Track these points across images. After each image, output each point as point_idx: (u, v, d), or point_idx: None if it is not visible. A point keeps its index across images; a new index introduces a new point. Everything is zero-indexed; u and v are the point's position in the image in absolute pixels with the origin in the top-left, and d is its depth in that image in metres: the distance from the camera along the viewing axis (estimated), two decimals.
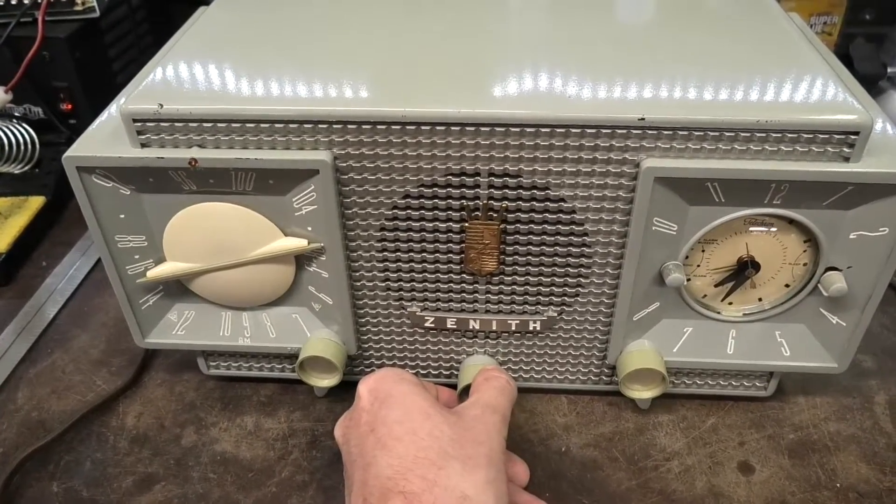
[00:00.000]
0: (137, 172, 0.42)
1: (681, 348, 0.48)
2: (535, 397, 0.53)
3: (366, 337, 0.51)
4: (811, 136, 0.38)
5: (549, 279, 0.46)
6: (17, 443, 0.51)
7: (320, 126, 0.40)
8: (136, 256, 0.46)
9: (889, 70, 0.77)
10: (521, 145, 0.40)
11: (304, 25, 0.49)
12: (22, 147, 0.75)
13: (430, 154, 0.41)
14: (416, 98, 0.40)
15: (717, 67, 0.42)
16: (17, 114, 0.77)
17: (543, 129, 0.39)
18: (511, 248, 0.45)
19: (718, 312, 0.48)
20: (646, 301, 0.46)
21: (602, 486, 0.48)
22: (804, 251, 0.44)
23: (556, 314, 0.48)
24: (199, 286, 0.48)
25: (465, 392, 0.47)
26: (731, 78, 0.41)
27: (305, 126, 0.40)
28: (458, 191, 0.42)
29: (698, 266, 0.46)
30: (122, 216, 0.44)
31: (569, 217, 0.43)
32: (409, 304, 0.49)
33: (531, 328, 0.49)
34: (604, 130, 0.39)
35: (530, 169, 0.41)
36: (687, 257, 0.44)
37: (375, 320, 0.50)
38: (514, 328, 0.49)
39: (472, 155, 0.40)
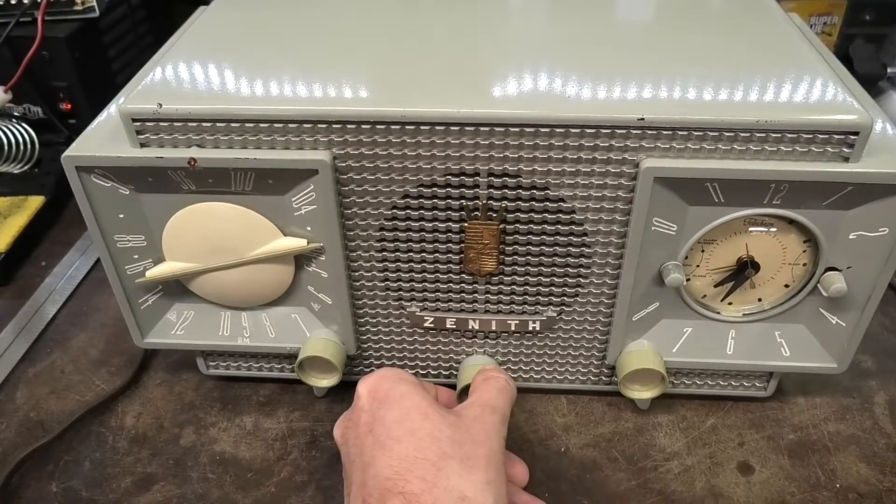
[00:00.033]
0: (136, 172, 0.42)
1: (680, 348, 0.48)
2: (534, 397, 0.53)
3: (365, 337, 0.51)
4: (811, 136, 0.38)
5: (548, 279, 0.46)
6: (15, 443, 0.51)
7: (319, 126, 0.40)
8: (136, 256, 0.46)
9: (889, 70, 0.77)
10: (521, 145, 0.40)
11: (303, 25, 0.49)
12: (21, 147, 0.75)
13: (429, 154, 0.41)
14: (415, 98, 0.40)
15: (717, 67, 0.42)
16: (16, 113, 0.77)
17: (543, 129, 0.39)
18: (510, 248, 0.45)
19: (718, 312, 0.48)
20: (645, 301, 0.46)
21: (601, 487, 0.47)
22: (804, 251, 0.44)
23: (555, 314, 0.48)
24: (198, 286, 0.48)
25: (464, 392, 0.47)
26: (731, 78, 0.41)
27: (305, 126, 0.40)
28: (458, 191, 0.42)
29: (698, 266, 0.45)
30: (122, 216, 0.44)
31: (568, 217, 0.43)
32: (409, 304, 0.49)
33: (530, 328, 0.49)
34: (603, 130, 0.39)
35: (530, 169, 0.41)
36: (686, 257, 0.44)
37: (375, 320, 0.50)
38: (513, 328, 0.49)
39: (472, 155, 0.40)
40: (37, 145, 0.75)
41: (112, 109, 0.46)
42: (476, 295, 0.48)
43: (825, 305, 0.46)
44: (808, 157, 0.39)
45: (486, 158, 0.41)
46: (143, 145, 0.41)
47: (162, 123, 0.40)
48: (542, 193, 0.42)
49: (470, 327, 0.49)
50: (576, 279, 0.46)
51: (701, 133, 0.39)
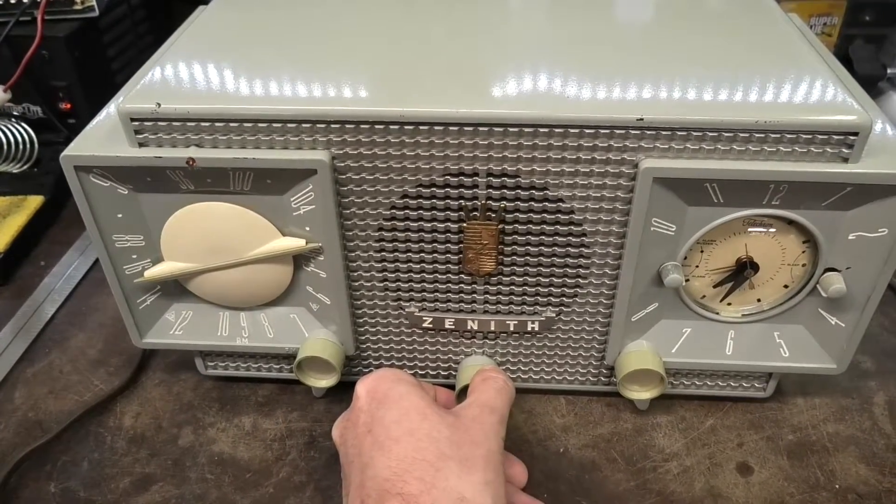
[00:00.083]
0: (135, 172, 0.42)
1: (679, 349, 0.48)
2: (533, 398, 0.53)
3: (364, 337, 0.51)
4: (810, 136, 0.38)
5: (547, 279, 0.46)
6: (14, 443, 0.51)
7: (318, 126, 0.40)
8: (134, 256, 0.46)
9: (889, 71, 0.77)
10: (520, 145, 0.40)
11: (302, 25, 0.49)
12: (21, 146, 0.75)
13: (428, 154, 0.41)
14: (414, 98, 0.40)
15: (716, 68, 0.42)
16: (15, 113, 0.77)
17: (542, 129, 0.39)
18: (509, 249, 0.45)
19: (717, 313, 0.48)
20: (644, 302, 0.46)
21: (600, 487, 0.47)
22: (803, 252, 0.44)
23: (554, 315, 0.48)
24: (196, 286, 0.48)
25: (463, 392, 0.47)
26: (730, 78, 0.41)
27: (303, 126, 0.40)
28: (457, 191, 0.42)
29: (697, 267, 0.45)
30: (120, 216, 0.44)
31: (567, 217, 0.43)
32: (408, 304, 0.48)
33: (529, 329, 0.49)
34: (602, 130, 0.39)
35: (529, 169, 0.41)
36: (685, 258, 0.44)
37: (373, 320, 0.50)
38: (512, 329, 0.49)
39: (471, 155, 0.40)
40: (36, 145, 0.75)
41: (111, 109, 0.46)
42: (475, 295, 0.48)
43: (824, 306, 0.46)
44: (807, 157, 0.39)
45: (485, 158, 0.40)
46: (141, 145, 0.41)
47: (160, 123, 0.40)
48: (542, 194, 0.42)
49: (469, 327, 0.49)
50: (575, 279, 0.46)
51: (700, 133, 0.39)
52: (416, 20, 0.50)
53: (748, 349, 0.48)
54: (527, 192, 0.42)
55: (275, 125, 0.40)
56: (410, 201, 0.43)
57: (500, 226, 0.43)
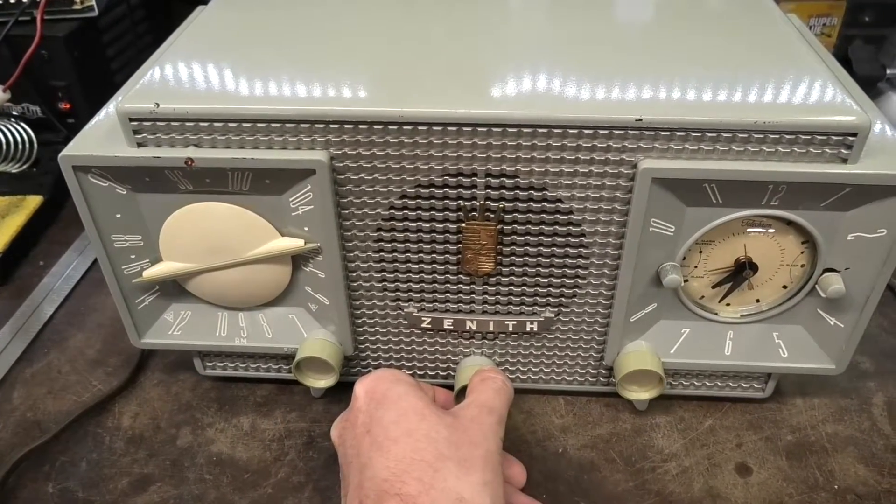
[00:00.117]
0: (134, 172, 0.42)
1: (678, 349, 0.48)
2: (532, 398, 0.53)
3: (362, 337, 0.51)
4: (809, 137, 0.38)
5: (546, 280, 0.46)
6: (12, 443, 0.51)
7: (317, 126, 0.40)
8: (133, 256, 0.46)
9: (888, 72, 0.77)
10: (519, 146, 0.40)
11: (301, 25, 0.49)
12: (20, 146, 0.75)
13: (427, 154, 0.41)
14: (413, 98, 0.40)
15: (715, 68, 0.42)
16: (15, 113, 0.77)
17: (540, 130, 0.39)
18: (508, 249, 0.45)
19: (716, 314, 0.48)
20: (643, 302, 0.46)
21: (599, 488, 0.47)
22: (802, 252, 0.44)
23: (553, 315, 0.48)
24: (195, 286, 0.48)
25: (461, 393, 0.46)
26: (729, 79, 0.41)
27: (302, 126, 0.40)
28: (455, 191, 0.42)
29: (696, 267, 0.45)
30: (119, 216, 0.44)
31: (566, 218, 0.43)
32: (406, 304, 0.48)
33: (528, 329, 0.49)
34: (601, 131, 0.39)
35: (527, 169, 0.41)
36: (684, 258, 0.44)
37: (372, 321, 0.50)
38: (511, 329, 0.49)
39: (469, 155, 0.40)
40: (35, 145, 0.75)
41: (110, 109, 0.46)
42: (474, 296, 0.48)
43: (823, 306, 0.46)
44: (806, 158, 0.39)
45: (484, 159, 0.40)
46: (140, 145, 0.41)
47: (159, 123, 0.40)
48: (540, 194, 0.42)
49: (467, 328, 0.49)
50: (573, 280, 0.46)
51: (699, 134, 0.39)
52: (415, 20, 0.50)
53: (747, 349, 0.48)
54: (526, 193, 0.42)
55: (273, 125, 0.40)
56: (409, 201, 0.43)
57: (499, 226, 0.43)
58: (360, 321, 0.50)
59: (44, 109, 0.77)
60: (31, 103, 0.77)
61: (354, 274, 0.47)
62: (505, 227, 0.44)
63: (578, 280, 0.46)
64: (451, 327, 0.49)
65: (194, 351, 0.53)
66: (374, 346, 0.51)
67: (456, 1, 0.53)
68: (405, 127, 0.39)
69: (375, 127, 0.40)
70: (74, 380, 0.56)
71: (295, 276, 0.47)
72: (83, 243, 0.70)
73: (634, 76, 0.41)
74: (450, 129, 0.39)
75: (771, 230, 0.43)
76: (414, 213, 0.43)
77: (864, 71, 0.77)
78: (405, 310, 0.49)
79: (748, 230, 0.43)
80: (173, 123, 0.40)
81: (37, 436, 0.51)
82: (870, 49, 0.80)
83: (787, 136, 0.38)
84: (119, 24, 0.82)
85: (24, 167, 0.75)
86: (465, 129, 0.39)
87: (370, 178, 0.42)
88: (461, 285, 0.47)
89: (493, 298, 0.48)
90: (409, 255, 0.46)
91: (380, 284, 0.47)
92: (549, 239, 0.44)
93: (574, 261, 0.45)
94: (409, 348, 0.51)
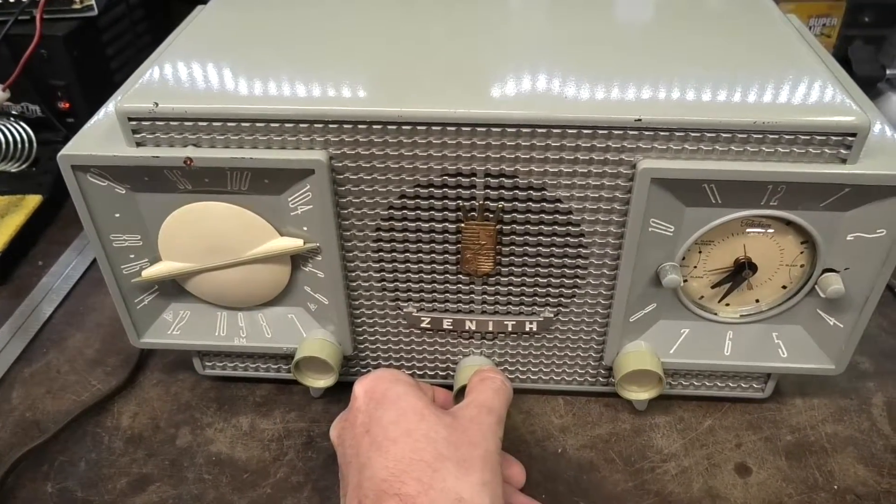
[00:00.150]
0: (132, 171, 0.42)
1: (678, 349, 0.48)
2: (531, 398, 0.53)
3: (362, 337, 0.51)
4: (808, 137, 0.38)
5: (545, 280, 0.46)
6: (11, 443, 0.51)
7: (316, 126, 0.40)
8: (132, 256, 0.46)
9: (888, 72, 0.77)
10: (518, 146, 0.40)
11: (300, 25, 0.49)
12: (19, 145, 0.75)
13: (426, 154, 0.40)
14: (412, 98, 0.40)
15: (715, 68, 0.42)
16: (14, 112, 0.77)
17: (540, 130, 0.39)
18: (507, 249, 0.45)
19: (715, 314, 0.48)
20: (642, 302, 0.46)
21: (598, 488, 0.47)
22: (801, 253, 0.44)
23: (552, 315, 0.48)
24: (194, 286, 0.48)
25: (461, 393, 0.46)
26: (729, 79, 0.41)
27: (301, 125, 0.40)
28: (455, 191, 0.42)
29: (695, 267, 0.45)
30: (118, 215, 0.44)
31: (565, 218, 0.43)
32: (406, 304, 0.48)
33: (528, 329, 0.49)
34: (600, 131, 0.39)
35: (526, 169, 0.41)
36: (684, 258, 0.44)
37: (371, 321, 0.50)
38: (510, 329, 0.49)
39: (469, 155, 0.40)
40: (34, 144, 0.75)
41: (109, 108, 0.46)
42: (473, 296, 0.48)
43: (823, 307, 0.46)
44: (805, 158, 0.39)
45: (483, 159, 0.40)
46: (139, 144, 0.41)
47: (158, 123, 0.40)
48: (539, 194, 0.42)
49: (467, 328, 0.49)
50: (573, 280, 0.46)
51: (698, 134, 0.39)
52: (414, 20, 0.50)
53: (746, 350, 0.48)
54: (525, 193, 0.42)
55: (272, 125, 0.40)
56: (408, 201, 0.43)
57: (499, 226, 0.43)
58: (359, 321, 0.50)
59: (43, 109, 0.77)
60: (31, 102, 0.77)
61: (354, 274, 0.47)
62: (504, 227, 0.44)
63: (578, 280, 0.46)
64: (451, 327, 0.49)
65: (193, 351, 0.53)
66: (374, 346, 0.51)
67: (455, 1, 0.53)
68: (404, 127, 0.39)
69: (374, 127, 0.40)
70: (73, 379, 0.56)
71: (294, 275, 0.47)
72: (82, 243, 0.70)
73: (634, 76, 0.41)
74: (449, 129, 0.39)
75: (770, 230, 0.43)
76: (413, 213, 0.43)
77: (864, 71, 0.77)
78: (404, 310, 0.49)
79: (747, 230, 0.43)
80: (172, 123, 0.40)
81: (36, 435, 0.51)
82: (869, 49, 0.80)
83: (787, 137, 0.38)
84: (118, 24, 0.82)
85: (24, 166, 0.75)
86: (464, 129, 0.39)
87: (369, 177, 0.42)
88: (460, 285, 0.47)
89: (493, 298, 0.48)
90: (408, 254, 0.46)
91: (379, 284, 0.47)
92: (549, 239, 0.44)
93: (573, 261, 0.45)
94: (409, 348, 0.51)
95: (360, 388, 0.40)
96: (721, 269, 0.45)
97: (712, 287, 0.46)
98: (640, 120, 0.38)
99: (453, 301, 0.48)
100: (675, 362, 0.48)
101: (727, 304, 0.47)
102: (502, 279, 0.46)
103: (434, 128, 0.39)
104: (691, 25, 0.49)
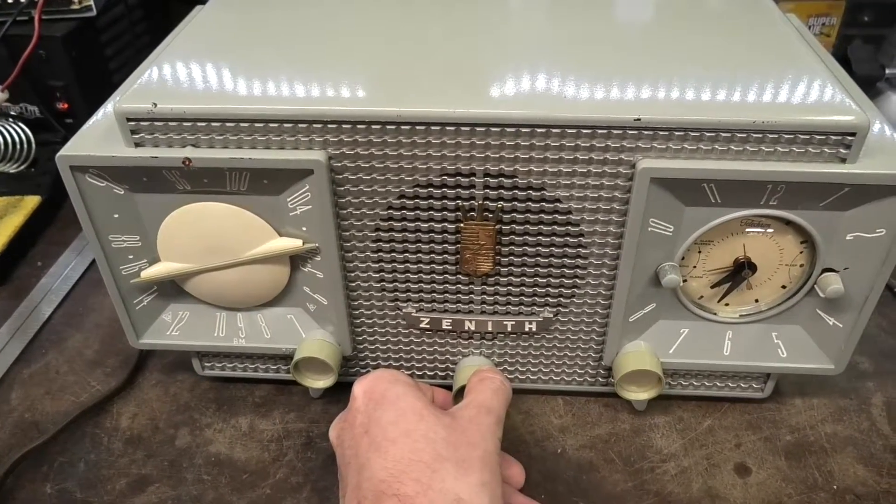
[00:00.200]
0: (131, 172, 0.42)
1: (677, 349, 0.48)
2: (530, 398, 0.53)
3: (361, 338, 0.51)
4: (808, 137, 0.38)
5: (544, 280, 0.46)
6: (10, 444, 0.51)
7: (315, 126, 0.40)
8: (130, 256, 0.46)
9: (887, 72, 0.77)
10: (517, 145, 0.40)
11: (299, 25, 0.49)
12: (18, 146, 0.75)
13: (425, 154, 0.40)
14: (411, 98, 0.40)
15: (714, 68, 0.42)
16: (13, 113, 0.77)
17: (539, 130, 0.39)
18: (507, 249, 0.45)
19: (715, 314, 0.48)
20: (642, 302, 0.46)
21: (598, 488, 0.47)
22: (801, 252, 0.44)
23: (552, 315, 0.48)
24: (193, 286, 0.48)
25: (460, 393, 0.46)
26: (728, 78, 0.41)
27: (300, 126, 0.40)
28: (454, 191, 0.42)
29: (694, 267, 0.45)
30: (116, 216, 0.44)
31: (564, 218, 0.43)
32: (405, 304, 0.48)
33: (527, 329, 0.49)
34: (599, 131, 0.39)
35: (526, 169, 0.41)
36: (683, 258, 0.44)
37: (371, 321, 0.50)
38: (509, 329, 0.49)
39: (468, 155, 0.40)
40: (33, 145, 0.75)
41: (107, 109, 0.46)
42: (472, 296, 0.48)
43: (822, 306, 0.46)
44: (804, 158, 0.39)
45: (483, 159, 0.40)
46: (137, 145, 0.41)
47: (157, 123, 0.40)
48: (539, 194, 0.42)
49: (466, 328, 0.49)
50: (572, 280, 0.46)
51: (697, 133, 0.39)
52: (413, 20, 0.50)
53: (746, 350, 0.48)
54: (524, 193, 0.42)
55: (271, 125, 0.40)
56: (407, 201, 0.43)
57: (498, 226, 0.43)
58: (358, 321, 0.50)
59: (42, 109, 0.77)
60: (29, 103, 0.77)
61: (353, 274, 0.47)
62: (503, 227, 0.43)
63: (577, 280, 0.46)
64: (450, 327, 0.49)
65: (192, 351, 0.53)
66: (373, 347, 0.51)
67: (455, 1, 0.53)
68: (403, 127, 0.39)
69: (374, 127, 0.39)
70: (72, 380, 0.56)
71: (293, 276, 0.47)
72: (81, 243, 0.70)
73: (633, 76, 0.41)
74: (448, 128, 0.39)
75: (770, 230, 0.43)
76: (412, 213, 0.43)
77: (864, 71, 0.77)
78: (404, 310, 0.49)
79: (747, 230, 0.43)
80: (171, 123, 0.40)
81: (35, 436, 0.51)
82: (869, 49, 0.80)
83: (786, 136, 0.38)
84: (117, 24, 0.82)
85: (22, 167, 0.75)
86: (463, 128, 0.39)
87: (368, 178, 0.42)
88: (460, 285, 0.47)
89: (492, 298, 0.48)
90: (407, 255, 0.46)
91: (378, 285, 0.47)
92: (548, 239, 0.44)
93: (573, 261, 0.45)
94: (408, 348, 0.51)
95: (360, 388, 0.40)
96: (720, 269, 0.45)
97: (712, 287, 0.46)
98: (639, 119, 0.38)
99: (452, 301, 0.48)
100: (674, 362, 0.48)
101: (727, 304, 0.47)
102: (501, 279, 0.46)
103: (433, 128, 0.39)
104: (691, 25, 0.49)
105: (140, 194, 0.43)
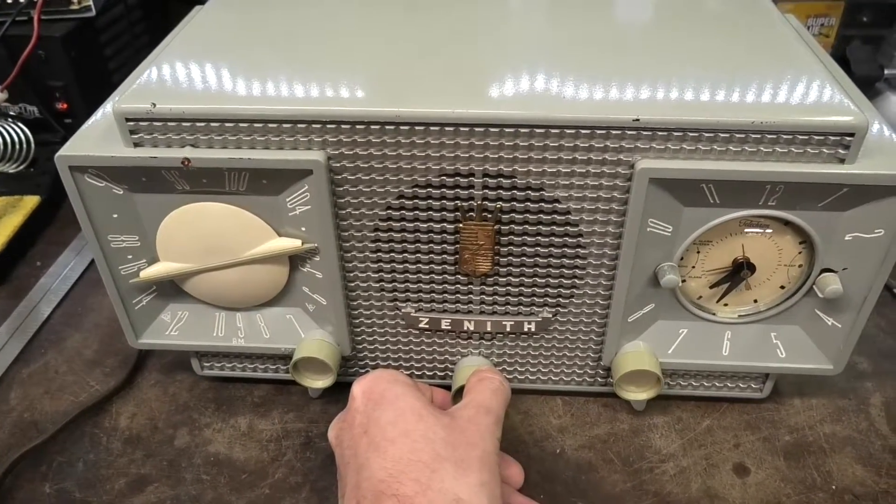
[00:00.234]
0: (130, 172, 0.42)
1: (676, 350, 0.48)
2: (529, 399, 0.53)
3: (360, 338, 0.51)
4: (806, 137, 0.38)
5: (543, 280, 0.46)
6: (9, 444, 0.51)
7: (314, 126, 0.40)
8: (130, 256, 0.46)
9: (886, 72, 0.77)
10: (516, 146, 0.40)
11: (298, 25, 0.49)
12: (17, 146, 0.75)
13: (424, 154, 0.40)
14: (410, 98, 0.40)
15: (713, 68, 0.42)
16: (12, 113, 0.77)
17: (538, 130, 0.39)
18: (505, 249, 0.45)
19: (713, 314, 0.48)
20: (641, 302, 0.46)
21: (597, 488, 0.47)
22: (799, 253, 0.44)
23: (550, 315, 0.48)
24: (192, 286, 0.48)
25: (459, 393, 0.46)
26: (727, 79, 0.41)
27: (299, 126, 0.40)
28: (453, 191, 0.42)
29: (693, 267, 0.45)
30: (115, 216, 0.44)
31: (563, 218, 0.43)
32: (404, 304, 0.48)
33: (526, 329, 0.49)
34: (598, 131, 0.39)
35: (524, 170, 0.41)
36: (682, 258, 0.44)
37: (370, 321, 0.50)
38: (508, 329, 0.49)
39: (467, 155, 0.40)
40: (32, 145, 0.75)
41: (106, 109, 0.46)
42: (471, 296, 0.48)
43: (821, 307, 0.46)
44: (803, 158, 0.39)
45: (481, 159, 0.40)
46: (136, 145, 0.41)
47: (156, 123, 0.40)
48: (538, 194, 0.42)
49: (465, 328, 0.49)
50: (571, 280, 0.46)
51: (696, 134, 0.39)
52: (413, 20, 0.50)
53: (745, 350, 0.48)
54: (523, 193, 0.42)
55: (270, 125, 0.40)
56: (406, 202, 0.43)
57: (497, 226, 0.43)
58: (357, 321, 0.50)
59: (41, 109, 0.77)
60: (29, 103, 0.76)
61: (352, 274, 0.47)
62: (502, 228, 0.44)
63: (576, 280, 0.46)
64: (449, 327, 0.49)
65: (191, 351, 0.53)
66: (372, 347, 0.51)
67: (455, 1, 0.53)
68: (402, 127, 0.39)
69: (373, 127, 0.39)
70: (71, 380, 0.56)
71: (292, 276, 0.47)
72: (80, 243, 0.70)
73: (632, 76, 0.41)
74: (447, 129, 0.39)
75: (769, 230, 0.43)
76: (411, 214, 0.43)
77: (862, 71, 0.77)
78: (403, 310, 0.49)
79: (746, 230, 0.43)
80: (170, 123, 0.40)
81: (34, 436, 0.51)
82: (868, 49, 0.80)
83: (785, 137, 0.38)
84: (116, 24, 0.82)
85: (22, 167, 0.75)
86: (462, 129, 0.39)
87: (367, 178, 0.42)
88: (459, 286, 0.47)
89: (491, 299, 0.48)
90: (406, 255, 0.46)
91: (377, 285, 0.47)
92: (547, 239, 0.44)
93: (571, 261, 0.45)
94: (407, 348, 0.51)
95: (359, 388, 0.40)
96: (719, 270, 0.45)
97: (711, 287, 0.46)
98: (638, 120, 0.38)
99: (451, 301, 0.48)
100: (673, 362, 0.48)
101: (725, 305, 0.47)
102: (500, 279, 0.46)
103: (432, 128, 0.39)
104: (690, 26, 0.49)
105: (139, 194, 0.43)
